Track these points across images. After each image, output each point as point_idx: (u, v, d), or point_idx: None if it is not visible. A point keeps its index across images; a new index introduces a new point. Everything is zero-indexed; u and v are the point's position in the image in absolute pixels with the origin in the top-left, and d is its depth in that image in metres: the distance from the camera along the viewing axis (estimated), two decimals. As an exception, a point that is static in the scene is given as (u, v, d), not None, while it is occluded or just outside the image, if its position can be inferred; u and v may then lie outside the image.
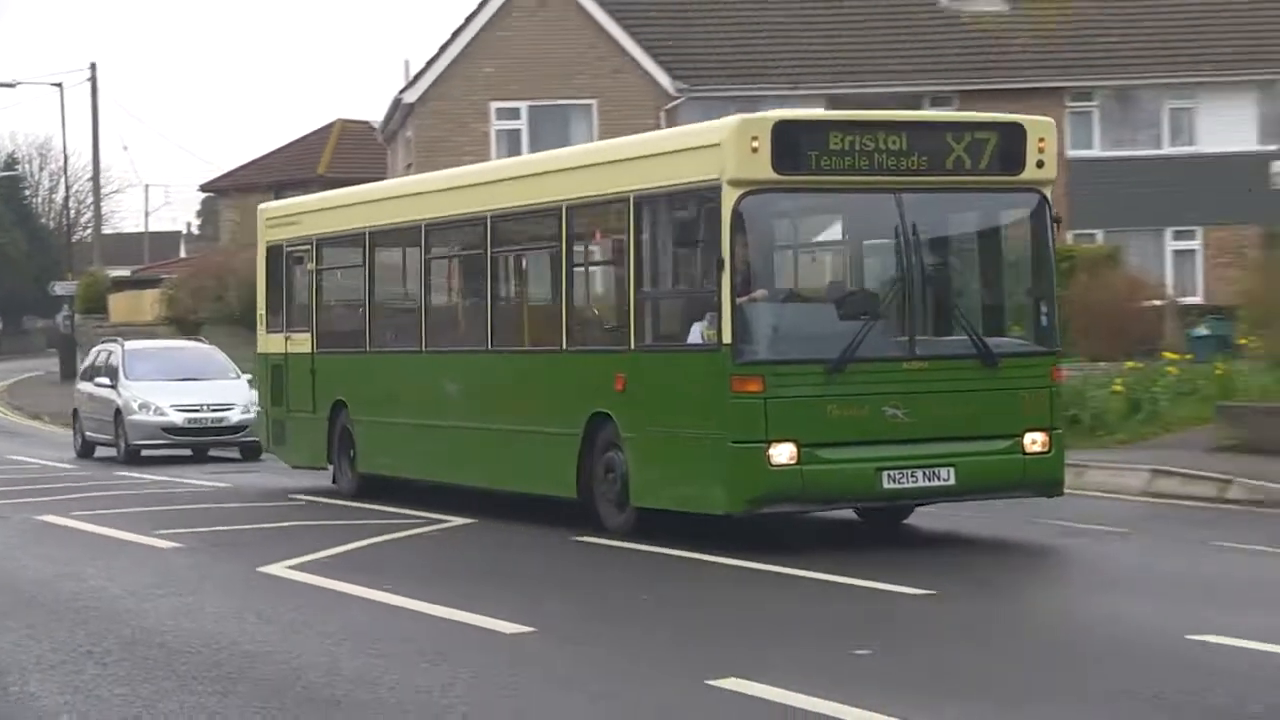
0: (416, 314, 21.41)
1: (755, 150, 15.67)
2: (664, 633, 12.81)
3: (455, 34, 42.95)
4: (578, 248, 18.75)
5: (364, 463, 21.96)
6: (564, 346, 18.40)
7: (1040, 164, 16.45)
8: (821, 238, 18.50)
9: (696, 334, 16.31)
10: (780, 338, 16.13)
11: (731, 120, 16.32)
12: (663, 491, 16.75)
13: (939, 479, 15.97)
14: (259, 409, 27.94)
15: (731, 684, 10.41)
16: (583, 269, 19.01)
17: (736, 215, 15.72)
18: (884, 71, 41.94)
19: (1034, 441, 16.29)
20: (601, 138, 35.66)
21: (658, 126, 41.86)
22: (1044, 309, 16.83)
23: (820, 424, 15.75)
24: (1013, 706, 10.18)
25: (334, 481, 22.66)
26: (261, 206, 25.64)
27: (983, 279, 17.43)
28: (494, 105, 42.88)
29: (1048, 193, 16.70)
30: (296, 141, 67.57)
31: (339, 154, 62.76)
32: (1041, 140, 16.45)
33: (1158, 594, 14.33)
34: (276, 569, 15.67)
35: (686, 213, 16.43)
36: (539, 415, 18.65)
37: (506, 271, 20.45)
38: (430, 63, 43.07)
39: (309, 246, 23.36)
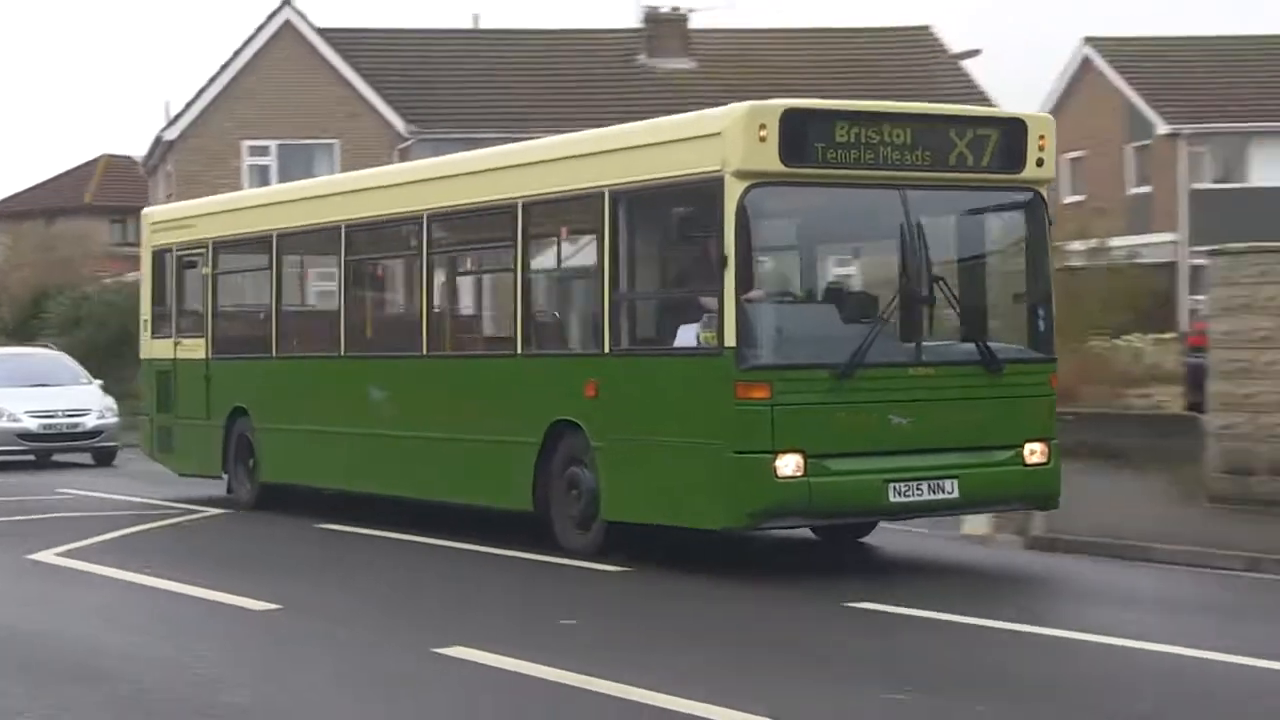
0: (334, 318, 18.37)
1: (763, 140, 13.14)
2: (398, 609, 12.81)
3: (212, 79, 43.02)
4: (535, 247, 16.00)
5: (268, 472, 19.01)
6: (519, 351, 15.59)
7: (1040, 162, 14.20)
8: (825, 235, 15.27)
9: (689, 337, 13.84)
10: (786, 341, 13.67)
11: (738, 107, 13.51)
12: (642, 505, 14.16)
13: (943, 491, 13.67)
14: (115, 415, 26.97)
15: (455, 651, 10.55)
16: (540, 270, 16.13)
17: (742, 210, 13.11)
18: (590, 119, 42.00)
19: (1033, 452, 14.06)
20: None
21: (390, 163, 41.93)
22: (1042, 313, 14.47)
23: (828, 433, 13.30)
24: (681, 654, 10.64)
25: (229, 491, 19.70)
26: (146, 211, 22.80)
27: (983, 281, 15.04)
28: (246, 143, 43.06)
29: (1045, 192, 14.47)
30: (65, 174, 66.31)
31: (104, 184, 61.79)
32: (1042, 138, 14.20)
33: (822, 568, 14.57)
34: (45, 556, 15.26)
35: (676, 208, 13.81)
36: (488, 423, 15.84)
37: (446, 274, 17.51)
38: (189, 104, 43.35)
39: (203, 250, 20.32)
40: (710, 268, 13.43)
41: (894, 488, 13.42)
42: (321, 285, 19.76)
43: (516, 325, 15.59)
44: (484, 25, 48.75)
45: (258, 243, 19.56)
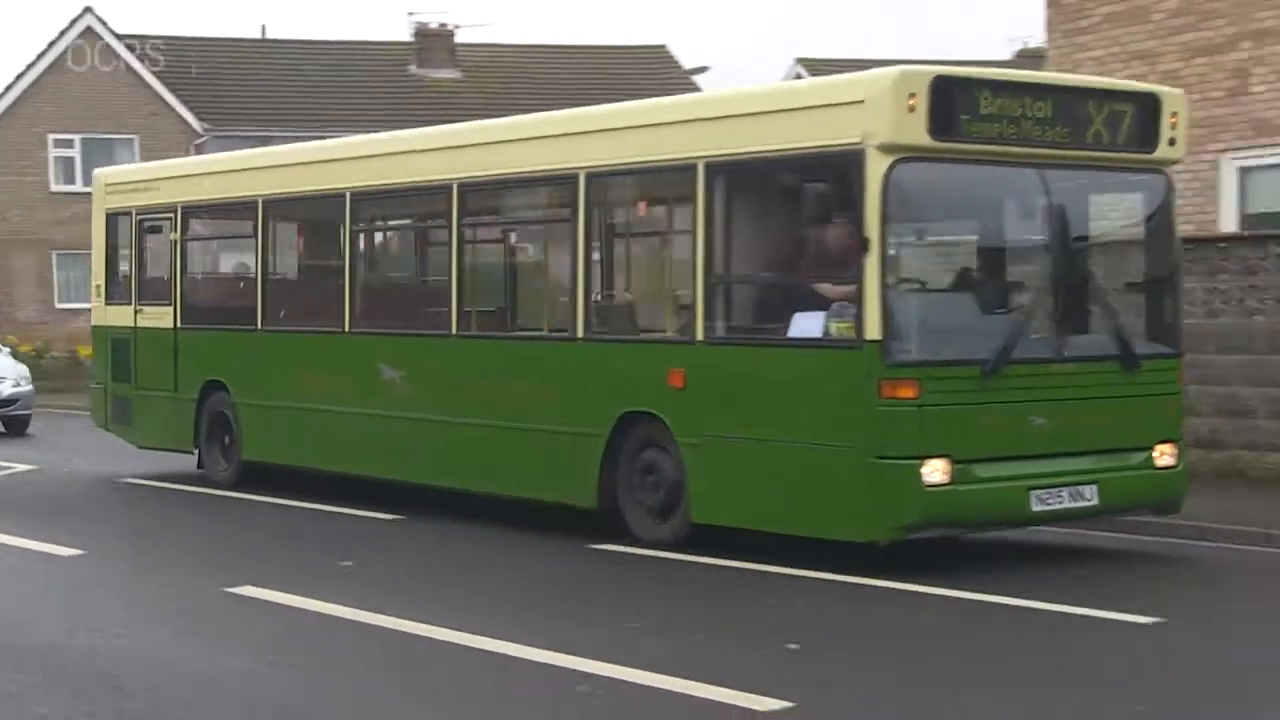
0: (336, 292, 15.17)
1: (912, 110, 10.63)
2: (195, 553, 12.69)
3: (18, 76, 41.91)
4: (600, 223, 13.14)
5: (250, 449, 16.11)
6: (579, 334, 12.72)
7: (1172, 141, 11.89)
8: (964, 217, 12.32)
9: (812, 326, 11.10)
10: (932, 334, 11.04)
11: (884, 73, 10.89)
12: (747, 510, 11.52)
13: (1083, 499, 11.36)
14: (29, 383, 24.47)
15: (244, 590, 10.47)
16: (608, 248, 13.45)
17: (887, 187, 10.57)
18: (368, 122, 42.07)
19: (1162, 454, 11.78)
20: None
21: (189, 159, 41.28)
22: (1170, 304, 12.13)
23: (973, 436, 10.90)
24: (443, 595, 10.55)
25: (200, 466, 16.91)
26: (100, 171, 18.99)
27: (1116, 269, 12.50)
28: (51, 137, 41.83)
29: (1171, 174, 12.25)
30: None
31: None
32: (1174, 115, 11.89)
33: (580, 516, 13.53)
34: None
35: (794, 183, 11.11)
36: (539, 411, 13.00)
37: (480, 249, 14.52)
38: (-3, 99, 41.55)
39: (170, 215, 17.11)
40: (834, 250, 11.09)
41: (1035, 495, 11.11)
42: (319, 257, 16.58)
43: (577, 307, 12.65)
44: (271, 35, 48.08)
45: (239, 209, 16.48)
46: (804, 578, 10.82)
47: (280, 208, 16.16)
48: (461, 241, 13.89)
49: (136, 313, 17.57)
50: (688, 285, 11.96)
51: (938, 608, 9.99)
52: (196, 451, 16.89)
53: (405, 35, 47.23)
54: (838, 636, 9.18)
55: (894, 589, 10.44)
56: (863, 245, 10.60)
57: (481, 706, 7.60)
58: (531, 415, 13.04)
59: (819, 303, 11.08)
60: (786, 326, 11.31)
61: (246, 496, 15.73)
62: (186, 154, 40.04)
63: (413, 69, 46.04)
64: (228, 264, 17.99)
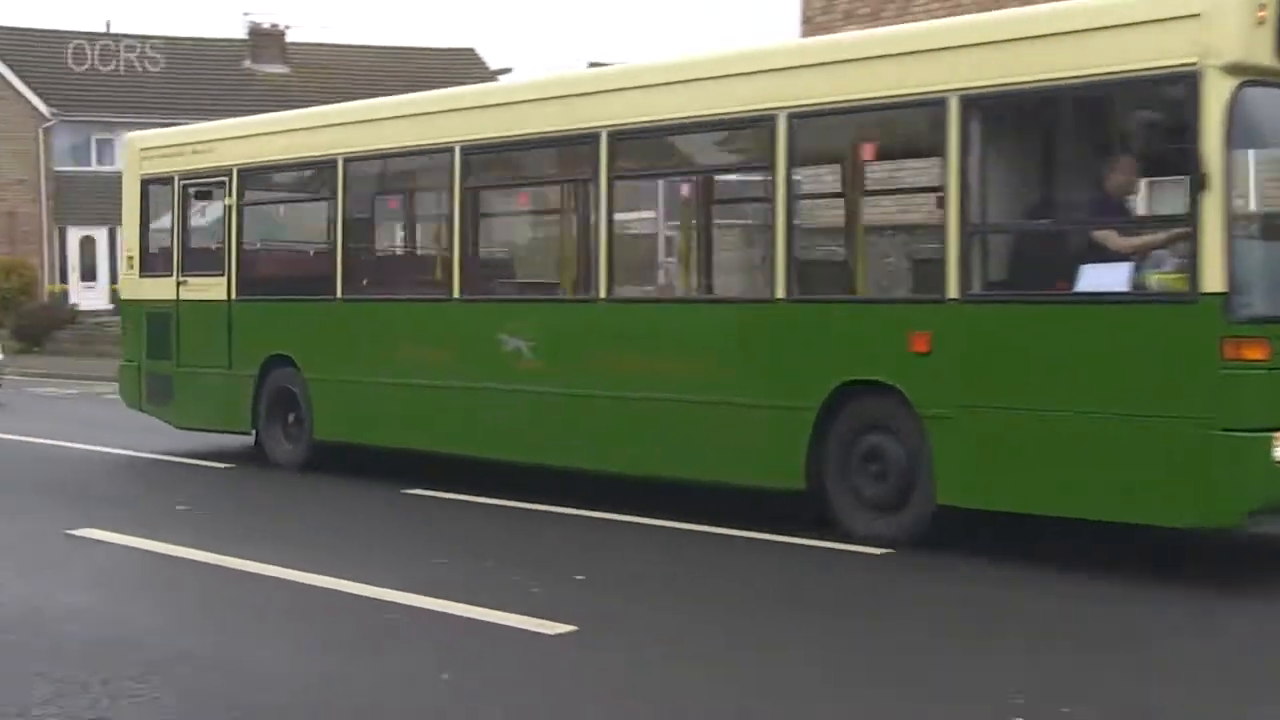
0: (438, 257, 12.85)
1: (1261, 23, 8.11)
2: (41, 501, 12.21)
3: None
4: (804, 170, 10.54)
5: (324, 428, 13.29)
6: (778, 295, 9.97)
7: None
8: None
9: (1110, 279, 8.60)
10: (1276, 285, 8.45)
11: None
12: (1024, 492, 8.84)
13: None
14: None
15: (87, 532, 10.17)
16: (815, 198, 10.95)
17: (1233, 115, 8.04)
18: (202, 112, 41.42)
19: None
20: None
21: (38, 143, 40.14)
22: None
23: None
24: (272, 536, 10.22)
25: (259, 446, 14.09)
26: (133, 136, 15.72)
27: None
28: (-96, 116, 40.05)
29: None
30: None
31: None
32: None
33: (389, 463, 13.30)
34: None
35: (1091, 114, 8.96)
36: (729, 384, 10.26)
37: (633, 205, 11.90)
38: None
39: (224, 179, 14.19)
40: (1134, 192, 8.99)
41: None
42: (415, 218, 14.09)
43: (776, 265, 9.92)
44: (115, 29, 46.70)
45: (314, 169, 13.64)
46: (596, 518, 10.83)
47: (365, 166, 13.26)
48: (612, 196, 10.99)
49: (180, 285, 14.56)
50: (931, 237, 9.44)
51: (743, 548, 9.69)
52: (253, 433, 14.13)
53: (240, 33, 46.38)
54: (622, 572, 9.22)
55: (701, 531, 10.19)
56: (1200, 183, 8.04)
57: (309, 629, 7.56)
58: (714, 388, 10.29)
59: (1107, 253, 8.67)
60: (1070, 280, 8.76)
61: (94, 449, 15.27)
62: (35, 137, 38.80)
63: (246, 64, 45.17)
64: (295, 230, 15.04)
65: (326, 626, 7.60)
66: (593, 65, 49.32)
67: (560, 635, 7.23)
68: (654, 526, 10.41)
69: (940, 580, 8.67)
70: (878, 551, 9.38)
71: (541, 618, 7.47)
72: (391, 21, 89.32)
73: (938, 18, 13.30)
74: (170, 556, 9.38)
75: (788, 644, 7.23)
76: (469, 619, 7.58)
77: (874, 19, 19.14)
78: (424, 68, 45.53)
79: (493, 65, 47.42)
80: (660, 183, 12.37)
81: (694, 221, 12.18)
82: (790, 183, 9.92)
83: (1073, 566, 8.90)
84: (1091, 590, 8.31)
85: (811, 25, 20.58)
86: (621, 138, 10.88)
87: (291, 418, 13.65)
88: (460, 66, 46.29)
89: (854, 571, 9.04)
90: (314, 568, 8.81)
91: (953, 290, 9.06)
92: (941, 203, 9.13)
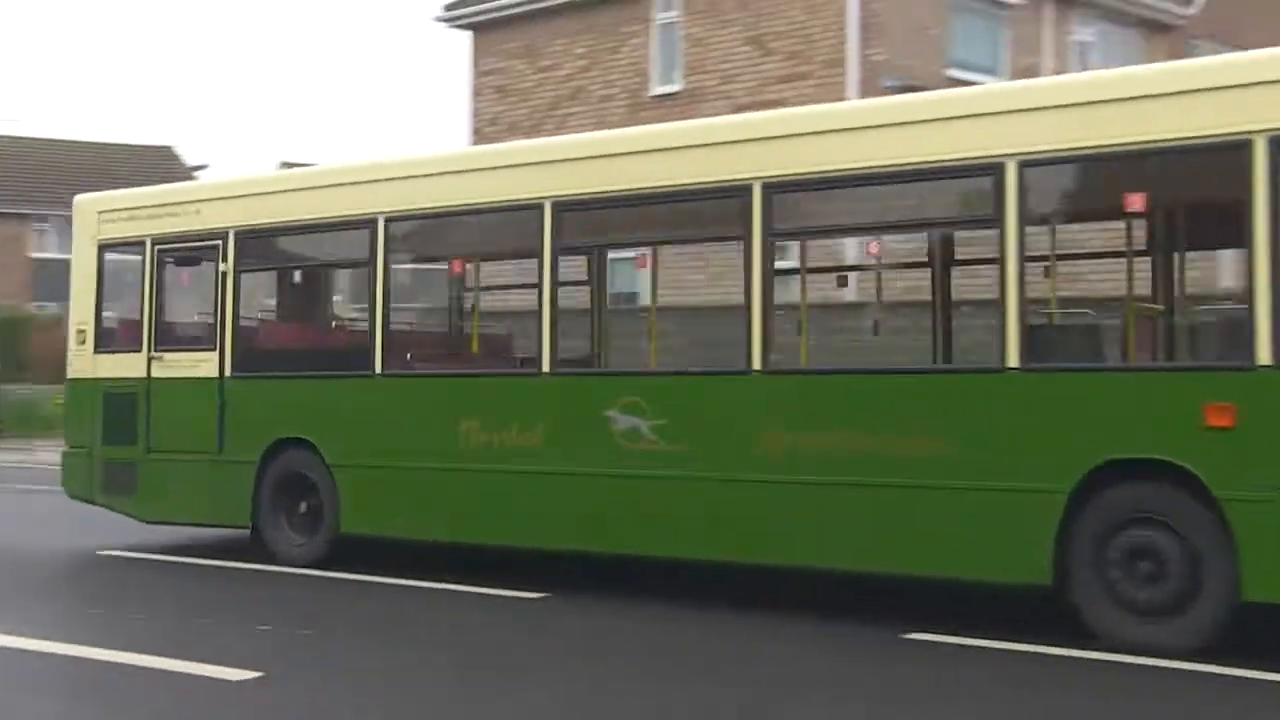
0: (522, 324, 10.46)
1: None
2: None
3: None
4: (1042, 223, 8.15)
5: (355, 520, 10.59)
6: (1008, 365, 7.80)
7: None
8: None
9: None
10: None
11: None
12: None
13: None
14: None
15: None
16: (1063, 256, 8.35)
17: None
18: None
19: None
20: None
21: None
22: None
23: None
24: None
25: (262, 541, 11.26)
26: (85, 198, 12.56)
27: None
28: None
29: None
30: None
31: None
32: None
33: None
34: None
35: None
36: (944, 466, 7.99)
37: (791, 267, 9.35)
38: None
39: (217, 242, 11.42)
40: None
41: None
42: (486, 283, 11.42)
43: (1005, 330, 7.79)
44: None
45: (347, 229, 10.75)
46: (281, 573, 10.61)
47: (412, 225, 10.56)
48: (767, 255, 8.69)
49: (152, 361, 11.79)
50: (1226, 291, 7.76)
51: (413, 597, 9.53)
52: (250, 527, 11.34)
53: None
54: (306, 619, 9.05)
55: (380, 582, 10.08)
56: None
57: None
58: (927, 471, 8.06)
59: None
60: None
61: None
62: None
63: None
64: (311, 297, 12.34)
65: (25, 689, 7.16)
66: (284, 165, 48.61)
67: (247, 681, 7.03)
68: (372, 583, 10.14)
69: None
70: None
71: (231, 666, 7.24)
72: (88, 118, 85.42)
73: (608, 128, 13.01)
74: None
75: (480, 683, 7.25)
76: (159, 671, 7.30)
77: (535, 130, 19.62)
78: (126, 162, 43.82)
79: (190, 162, 46.10)
80: (832, 239, 10.31)
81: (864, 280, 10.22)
82: (1022, 237, 7.88)
83: None
84: None
85: (480, 136, 20.94)
86: (777, 190, 8.74)
87: (303, 506, 11.00)
88: (160, 161, 44.78)
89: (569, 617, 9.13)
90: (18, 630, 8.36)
91: (1266, 356, 7.13)
92: (1250, 247, 7.19)
